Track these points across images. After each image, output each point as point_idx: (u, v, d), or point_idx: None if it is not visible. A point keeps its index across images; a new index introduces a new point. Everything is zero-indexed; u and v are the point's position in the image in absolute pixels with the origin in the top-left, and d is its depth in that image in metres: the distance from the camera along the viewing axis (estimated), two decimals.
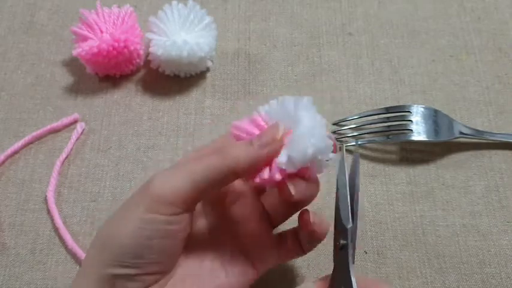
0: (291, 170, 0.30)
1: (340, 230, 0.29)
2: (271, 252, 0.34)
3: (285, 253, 0.35)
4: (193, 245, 0.33)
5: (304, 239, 0.34)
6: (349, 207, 0.29)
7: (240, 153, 0.30)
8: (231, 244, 0.34)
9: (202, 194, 0.30)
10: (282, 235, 0.36)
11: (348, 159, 0.31)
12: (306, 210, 0.33)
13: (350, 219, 0.29)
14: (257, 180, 0.30)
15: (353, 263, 0.29)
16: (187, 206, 0.30)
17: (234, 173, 0.30)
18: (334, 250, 0.30)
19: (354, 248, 0.29)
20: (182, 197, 0.29)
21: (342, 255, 0.29)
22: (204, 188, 0.30)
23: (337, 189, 0.30)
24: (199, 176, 0.30)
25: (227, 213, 0.35)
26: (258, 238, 0.34)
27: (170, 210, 0.29)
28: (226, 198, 0.35)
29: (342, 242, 0.29)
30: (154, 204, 0.29)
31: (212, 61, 0.51)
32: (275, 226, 0.36)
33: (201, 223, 0.34)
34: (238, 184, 0.35)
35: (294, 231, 0.35)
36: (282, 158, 0.30)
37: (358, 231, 0.30)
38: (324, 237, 0.33)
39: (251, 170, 0.30)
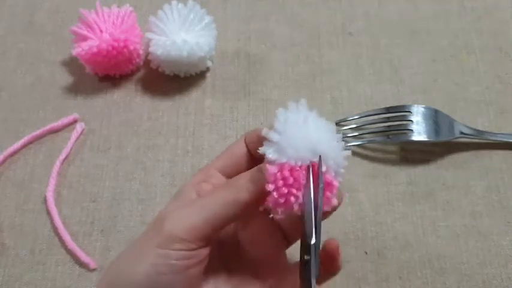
0: (281, 160, 0.29)
1: (305, 246, 0.30)
2: (286, 279, 0.33)
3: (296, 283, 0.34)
4: (205, 271, 0.32)
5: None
6: (313, 222, 0.29)
7: (248, 183, 0.30)
8: (245, 269, 0.34)
9: (216, 229, 0.30)
10: (294, 264, 0.35)
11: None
12: (334, 239, 0.33)
13: (314, 235, 0.29)
14: (267, 201, 0.29)
15: (315, 278, 0.29)
16: (201, 242, 0.30)
17: (246, 204, 0.30)
18: (300, 265, 0.30)
19: (317, 264, 0.29)
20: (196, 233, 0.29)
21: (306, 270, 0.29)
22: (217, 223, 0.30)
23: (304, 202, 0.30)
24: (212, 212, 0.30)
25: (239, 236, 0.34)
26: (272, 263, 0.34)
27: (184, 246, 0.29)
28: (236, 222, 0.35)
29: (306, 257, 0.29)
30: (168, 241, 0.29)
31: (212, 61, 0.51)
32: (290, 244, 0.35)
33: (213, 248, 0.34)
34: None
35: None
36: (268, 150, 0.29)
37: (320, 246, 0.30)
38: (339, 270, 0.33)
39: (263, 195, 0.30)
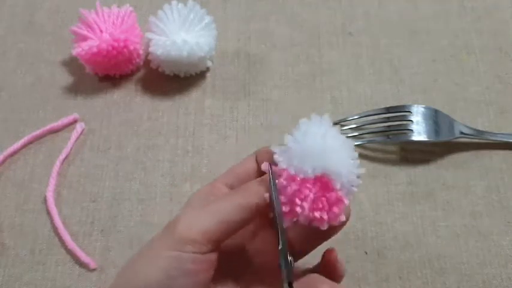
0: (289, 168, 0.29)
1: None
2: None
3: None
4: (214, 279, 0.32)
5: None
6: (278, 227, 0.30)
7: (260, 188, 0.30)
8: (251, 277, 0.34)
9: (229, 233, 0.30)
10: (302, 272, 0.35)
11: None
12: (333, 249, 0.34)
13: (280, 240, 0.30)
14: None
15: (288, 281, 0.30)
16: (213, 245, 0.30)
17: (257, 208, 0.30)
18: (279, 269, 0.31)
19: (288, 267, 0.30)
20: (208, 236, 0.30)
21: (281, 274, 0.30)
22: (229, 226, 0.30)
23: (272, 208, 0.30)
24: (224, 215, 0.30)
25: (247, 247, 0.35)
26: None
27: (195, 249, 0.29)
28: (245, 232, 0.35)
29: (278, 262, 0.30)
30: (180, 243, 0.29)
31: (212, 61, 0.51)
32: (299, 258, 0.36)
33: (222, 259, 0.34)
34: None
35: (313, 270, 0.35)
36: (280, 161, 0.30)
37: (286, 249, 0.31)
38: (341, 278, 0.34)
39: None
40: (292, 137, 0.30)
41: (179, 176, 0.46)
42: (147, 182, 0.45)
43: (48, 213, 0.44)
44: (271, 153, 0.31)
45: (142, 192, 0.45)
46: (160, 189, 0.45)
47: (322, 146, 0.30)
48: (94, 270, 0.41)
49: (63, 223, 0.43)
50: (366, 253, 0.42)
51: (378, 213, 0.44)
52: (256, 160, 0.34)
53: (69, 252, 0.42)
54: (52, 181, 0.45)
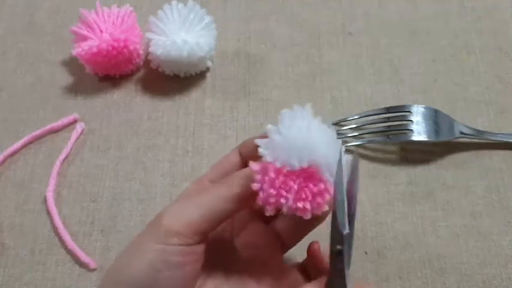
0: (275, 160, 0.29)
1: (337, 236, 0.30)
2: (283, 279, 0.34)
3: (294, 284, 0.35)
4: (204, 274, 0.33)
5: (312, 271, 0.34)
6: (346, 212, 0.29)
7: (242, 179, 0.30)
8: (242, 271, 0.34)
9: (214, 224, 0.31)
10: (291, 267, 0.35)
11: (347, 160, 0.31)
12: (316, 242, 0.34)
13: (346, 225, 0.29)
14: (257, 199, 0.30)
15: (348, 268, 0.29)
16: (198, 237, 0.30)
17: (239, 199, 0.30)
18: (330, 255, 0.30)
19: (350, 254, 0.30)
20: (193, 228, 0.30)
21: (338, 260, 0.29)
22: (213, 218, 0.30)
23: (335, 192, 0.30)
24: (207, 207, 0.30)
25: (236, 239, 0.35)
26: (268, 264, 0.34)
27: (181, 241, 0.29)
28: (233, 226, 0.35)
29: (338, 247, 0.29)
30: (165, 236, 0.29)
31: (212, 61, 0.51)
32: (287, 249, 0.36)
33: (211, 253, 0.34)
34: (244, 211, 0.35)
35: (302, 265, 0.35)
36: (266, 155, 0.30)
37: (354, 236, 0.30)
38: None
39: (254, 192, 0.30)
40: (276, 129, 0.30)
41: (179, 176, 0.46)
42: (147, 182, 0.45)
43: (48, 213, 0.44)
44: (254, 146, 0.31)
45: (142, 192, 0.45)
46: (160, 189, 0.45)
47: (307, 138, 0.29)
48: (94, 270, 0.41)
49: (63, 223, 0.43)
50: (366, 253, 0.42)
51: (378, 213, 0.44)
52: (240, 153, 0.34)
53: (69, 252, 0.42)
54: (52, 181, 0.45)
